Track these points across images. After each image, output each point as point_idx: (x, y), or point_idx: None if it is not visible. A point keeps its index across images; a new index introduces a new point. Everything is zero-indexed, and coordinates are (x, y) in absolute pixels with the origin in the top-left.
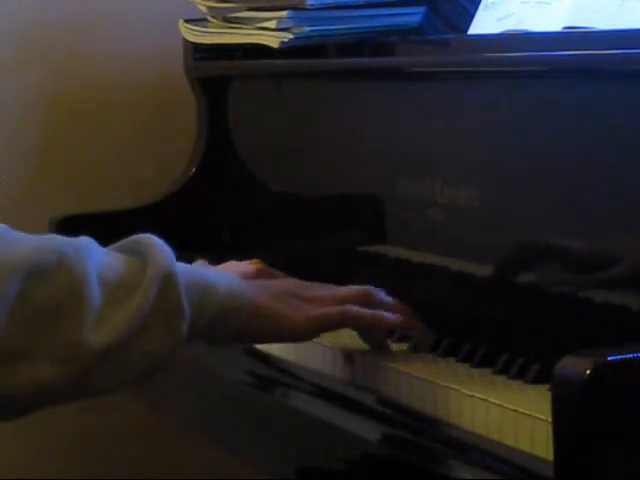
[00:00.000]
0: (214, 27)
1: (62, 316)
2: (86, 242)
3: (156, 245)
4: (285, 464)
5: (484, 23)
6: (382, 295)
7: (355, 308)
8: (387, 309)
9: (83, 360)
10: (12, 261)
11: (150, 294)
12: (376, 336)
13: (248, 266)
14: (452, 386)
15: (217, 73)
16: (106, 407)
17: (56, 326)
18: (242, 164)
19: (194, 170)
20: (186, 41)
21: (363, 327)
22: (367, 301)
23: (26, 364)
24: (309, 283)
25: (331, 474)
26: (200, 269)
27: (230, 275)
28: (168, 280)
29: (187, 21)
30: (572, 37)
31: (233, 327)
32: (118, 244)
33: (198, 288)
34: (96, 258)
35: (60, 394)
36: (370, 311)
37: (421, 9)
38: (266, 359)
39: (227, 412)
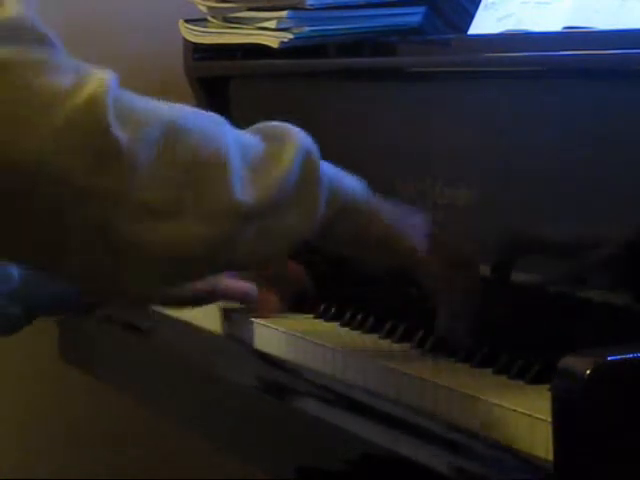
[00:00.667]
0: (214, 27)
1: (207, 174)
2: (222, 118)
3: (293, 127)
4: (285, 464)
5: (484, 23)
6: None
7: None
8: None
9: (229, 216)
10: (152, 114)
11: (293, 166)
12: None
13: None
14: (452, 386)
15: (217, 73)
16: (106, 407)
17: (201, 183)
18: None
19: None
20: (186, 41)
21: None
22: None
23: (172, 220)
24: None
25: (331, 474)
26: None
27: (355, 179)
28: (309, 156)
29: (187, 21)
30: (572, 37)
31: (350, 228)
32: (251, 127)
33: (330, 174)
34: (234, 131)
35: (205, 253)
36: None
37: (421, 9)
38: (266, 359)
39: (227, 412)
